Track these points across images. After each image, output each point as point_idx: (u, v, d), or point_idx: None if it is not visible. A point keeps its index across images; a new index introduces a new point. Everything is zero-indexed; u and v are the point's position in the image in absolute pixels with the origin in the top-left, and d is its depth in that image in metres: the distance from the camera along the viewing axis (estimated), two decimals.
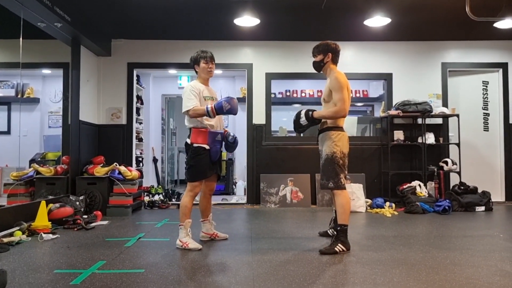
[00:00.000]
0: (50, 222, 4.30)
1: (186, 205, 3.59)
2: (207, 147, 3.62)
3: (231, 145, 3.90)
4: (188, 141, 3.66)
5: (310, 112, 3.57)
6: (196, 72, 3.84)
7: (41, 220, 4.20)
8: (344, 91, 3.46)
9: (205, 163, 3.63)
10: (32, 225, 4.14)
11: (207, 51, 3.81)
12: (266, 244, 3.75)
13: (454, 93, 6.92)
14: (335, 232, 3.67)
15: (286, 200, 6.40)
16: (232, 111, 3.54)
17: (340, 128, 3.57)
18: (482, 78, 6.98)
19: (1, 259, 3.17)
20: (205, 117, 3.59)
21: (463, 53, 6.88)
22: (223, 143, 3.88)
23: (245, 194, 7.01)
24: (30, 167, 5.46)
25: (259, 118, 6.71)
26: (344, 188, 3.54)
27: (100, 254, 3.33)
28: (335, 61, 3.66)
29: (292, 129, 7.17)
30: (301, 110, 3.66)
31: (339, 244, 3.41)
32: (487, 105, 6.96)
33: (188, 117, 3.65)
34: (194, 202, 3.68)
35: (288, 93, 8.82)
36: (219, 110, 3.51)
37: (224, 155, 8.49)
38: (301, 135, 7.12)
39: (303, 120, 3.60)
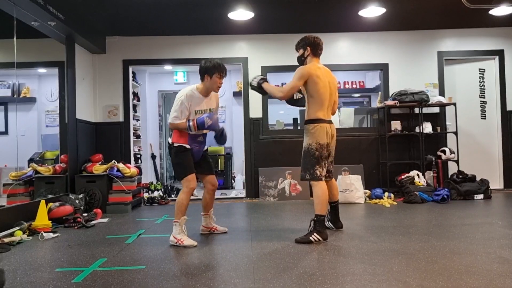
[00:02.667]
0: (50, 221, 4.30)
1: (182, 202, 3.58)
2: (187, 146, 3.68)
3: (220, 138, 3.82)
4: (170, 140, 3.75)
5: (261, 82, 3.77)
6: (202, 80, 3.67)
7: (41, 219, 4.20)
8: (296, 81, 3.57)
9: (189, 158, 3.69)
10: (32, 224, 4.15)
11: (223, 64, 3.68)
12: (266, 237, 3.77)
13: (451, 82, 6.92)
14: (330, 224, 3.88)
15: (285, 193, 6.42)
16: (214, 126, 3.62)
17: (318, 120, 3.60)
18: (478, 66, 6.98)
19: (3, 259, 3.18)
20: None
21: (459, 41, 6.87)
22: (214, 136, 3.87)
23: (244, 188, 7.03)
24: (29, 166, 5.47)
25: (255, 111, 6.70)
26: (320, 180, 3.57)
27: (101, 252, 3.35)
28: (315, 54, 3.71)
29: (289, 122, 7.26)
30: (259, 76, 3.87)
31: (314, 234, 3.46)
32: (484, 93, 6.96)
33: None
34: (196, 198, 3.69)
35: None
36: (201, 125, 3.58)
37: (222, 149, 8.48)
38: (298, 127, 7.14)
39: (254, 83, 3.81)
